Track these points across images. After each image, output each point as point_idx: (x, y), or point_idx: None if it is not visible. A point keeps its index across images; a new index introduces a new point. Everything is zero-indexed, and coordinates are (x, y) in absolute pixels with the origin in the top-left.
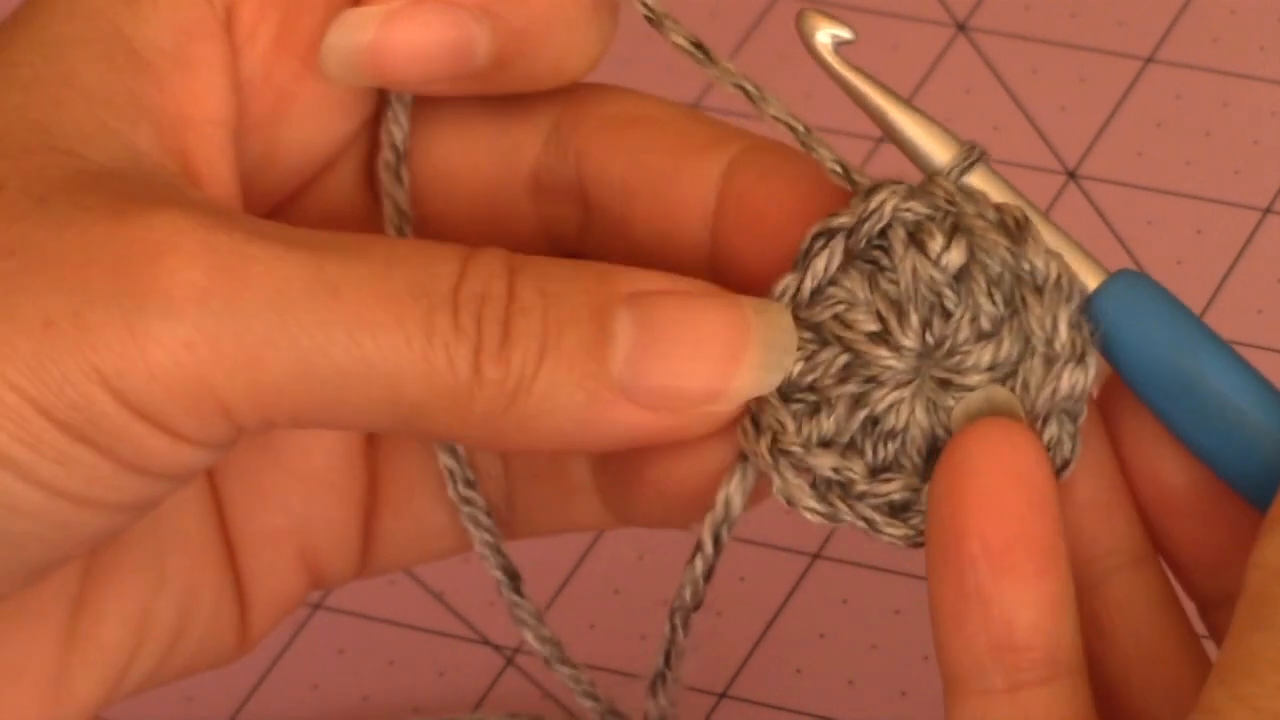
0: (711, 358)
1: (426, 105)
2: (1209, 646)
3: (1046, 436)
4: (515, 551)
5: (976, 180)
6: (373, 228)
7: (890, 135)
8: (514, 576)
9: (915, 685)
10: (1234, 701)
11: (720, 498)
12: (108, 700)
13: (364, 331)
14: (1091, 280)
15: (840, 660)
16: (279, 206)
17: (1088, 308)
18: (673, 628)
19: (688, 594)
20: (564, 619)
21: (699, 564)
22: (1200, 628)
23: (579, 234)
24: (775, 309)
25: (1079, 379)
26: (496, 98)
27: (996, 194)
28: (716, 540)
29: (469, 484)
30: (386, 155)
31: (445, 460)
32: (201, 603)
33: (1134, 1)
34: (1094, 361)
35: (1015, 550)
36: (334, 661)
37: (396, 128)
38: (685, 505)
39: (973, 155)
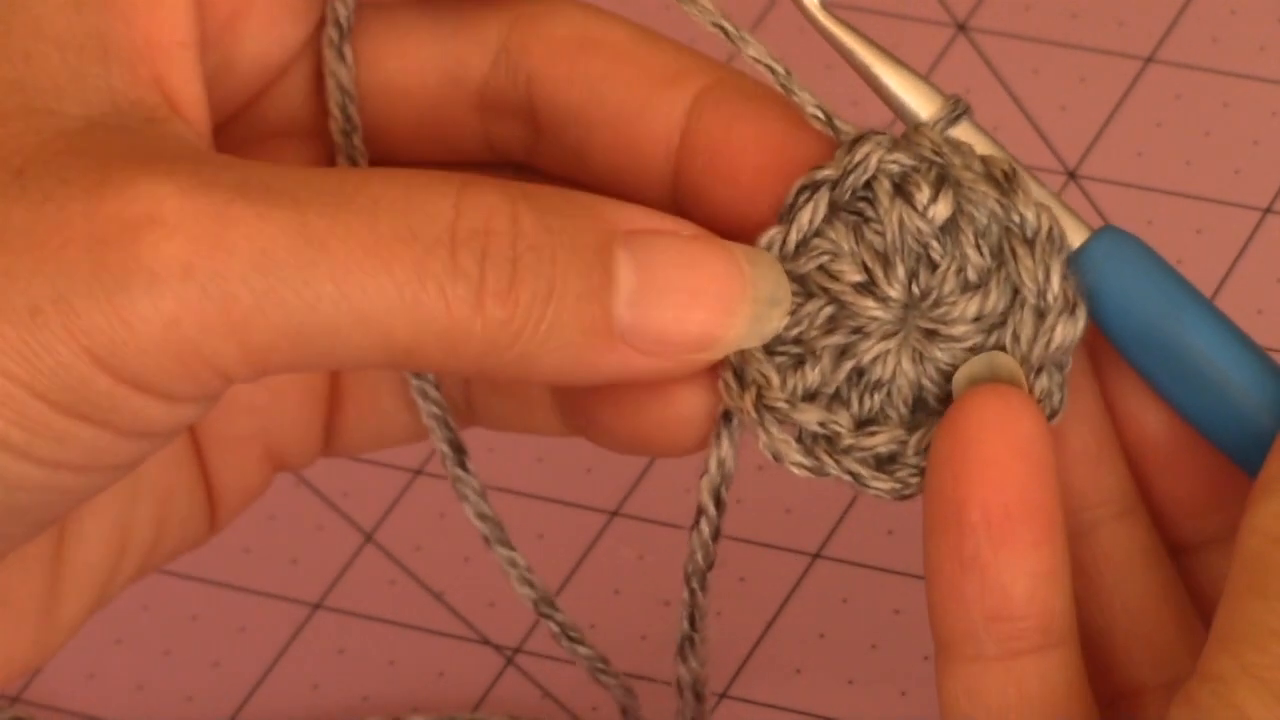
0: (707, 307)
1: (373, 20)
2: None
3: (1039, 389)
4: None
5: (961, 134)
6: (323, 135)
7: (875, 88)
8: (459, 450)
9: (915, 685)
10: (1241, 671)
11: (712, 461)
12: (94, 612)
13: (352, 284)
14: (1076, 237)
15: (840, 660)
16: (234, 117)
17: (1072, 263)
18: (691, 591)
19: (699, 557)
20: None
21: (705, 527)
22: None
23: (527, 151)
24: (767, 260)
25: (1071, 331)
26: (444, 9)
27: (981, 147)
28: (717, 501)
29: (433, 384)
30: (330, 32)
31: None
32: (175, 509)
33: (1134, 1)
34: (1083, 313)
35: (1015, 520)
36: (334, 661)
37: (341, 4)
38: (636, 446)
39: (958, 108)
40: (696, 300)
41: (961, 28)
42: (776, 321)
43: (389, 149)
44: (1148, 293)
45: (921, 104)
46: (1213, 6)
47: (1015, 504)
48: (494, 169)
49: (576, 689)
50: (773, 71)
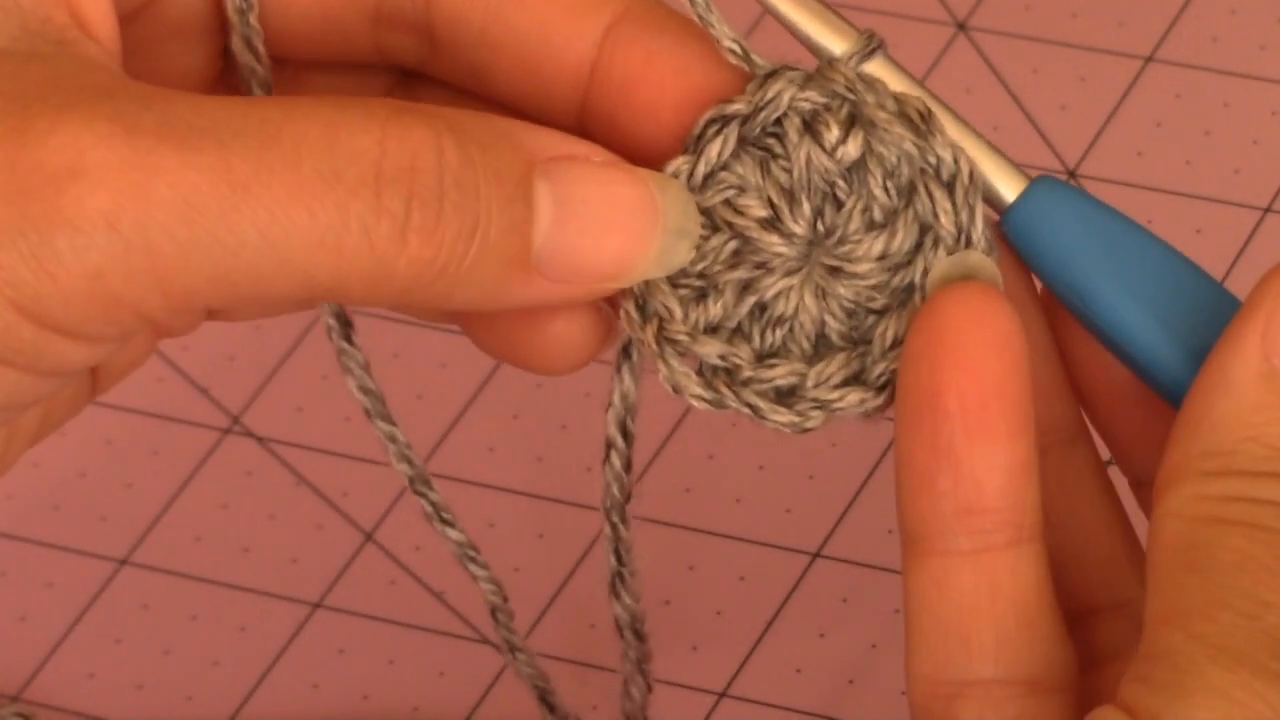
0: (620, 237)
1: None
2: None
3: None
4: (512, 551)
5: (876, 70)
6: (219, 33)
7: (786, 25)
8: (346, 324)
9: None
10: (1193, 642)
11: (615, 394)
12: None
13: (276, 228)
14: (1010, 186)
15: (840, 660)
16: (132, 16)
17: (1007, 216)
18: (612, 525)
19: (615, 490)
20: (564, 619)
21: (615, 459)
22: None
23: (419, 63)
24: (678, 189)
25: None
26: None
27: (896, 84)
28: (624, 432)
29: None
30: None
31: None
32: (60, 394)
33: (1134, 1)
34: (996, 253)
35: (990, 410)
36: (334, 661)
37: None
38: (508, 360)
39: (872, 43)
40: (610, 230)
41: (961, 27)
42: (684, 253)
43: (279, 49)
44: (1062, 265)
45: (835, 40)
46: (1213, 6)
47: (992, 395)
48: (383, 72)
49: (576, 689)
50: (691, 2)
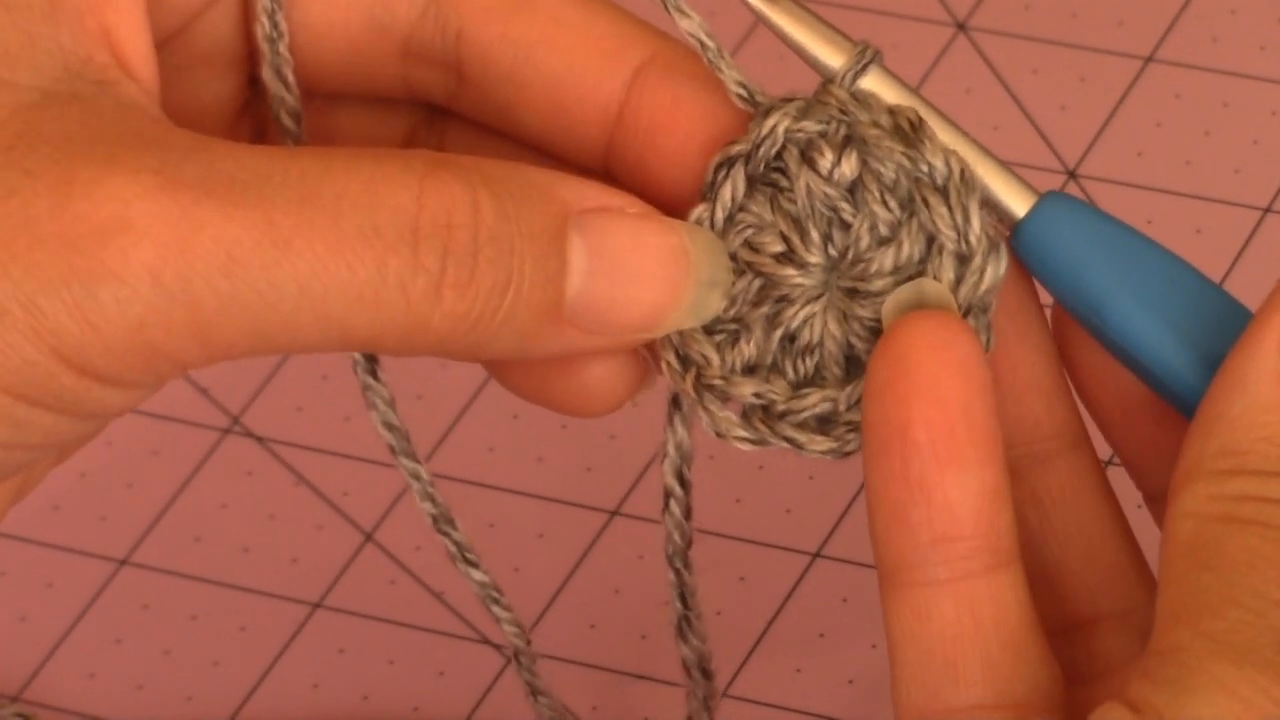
0: (653, 289)
1: None
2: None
3: None
4: (512, 551)
5: (874, 82)
6: (246, 64)
7: (784, 41)
8: (372, 359)
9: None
10: (1201, 638)
11: (670, 445)
12: None
13: (315, 282)
14: (1020, 202)
15: (840, 660)
16: (161, 45)
17: (1014, 232)
18: (675, 571)
19: (676, 537)
20: (564, 619)
21: (675, 508)
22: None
23: (448, 98)
24: (709, 240)
25: (997, 270)
26: None
27: (892, 95)
28: (681, 481)
29: None
30: None
31: None
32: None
33: (1134, 1)
34: (1005, 250)
35: (958, 438)
36: (334, 661)
37: None
38: (543, 404)
39: (864, 58)
40: (643, 283)
41: (961, 28)
42: (716, 304)
43: (308, 81)
44: (1072, 278)
45: (832, 55)
46: (1213, 6)
47: (959, 422)
48: (410, 107)
49: (577, 689)
50: (703, 46)
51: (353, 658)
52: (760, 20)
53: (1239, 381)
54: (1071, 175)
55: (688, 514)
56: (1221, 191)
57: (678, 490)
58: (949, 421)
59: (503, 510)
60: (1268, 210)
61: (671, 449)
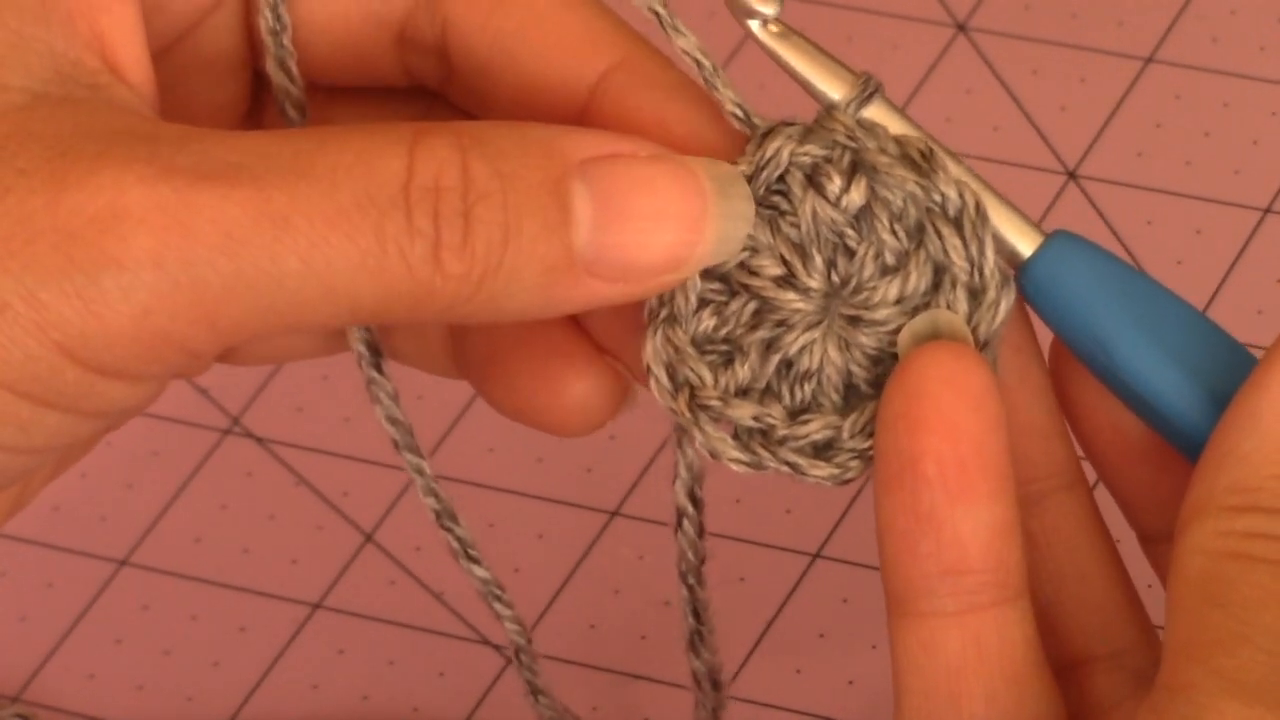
0: (672, 228)
1: None
2: (1142, 572)
3: None
4: (512, 551)
5: (876, 113)
6: (249, 67)
7: (786, 70)
8: (376, 352)
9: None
10: (1212, 676)
11: (680, 465)
12: None
13: (317, 256)
14: (1025, 240)
15: (840, 660)
16: (164, 50)
17: (1023, 270)
18: (689, 587)
19: (690, 554)
20: (564, 619)
21: (688, 526)
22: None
23: (441, 85)
24: (729, 173)
25: (1009, 303)
26: None
27: (894, 126)
28: (693, 500)
29: None
30: None
31: None
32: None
33: (1134, 1)
34: (1013, 286)
35: (970, 472)
36: (334, 661)
37: None
38: (524, 421)
39: (868, 88)
40: (660, 223)
41: (961, 28)
42: (740, 235)
43: (310, 75)
44: (1082, 316)
45: (834, 85)
46: (1213, 6)
47: (970, 456)
48: (410, 94)
49: (577, 689)
50: (699, 66)
51: (352, 658)
52: (764, 51)
53: (1250, 418)
54: (1071, 175)
55: (700, 532)
56: (1221, 192)
57: (690, 509)
58: (960, 455)
59: (503, 510)
60: (1268, 210)
61: (683, 469)
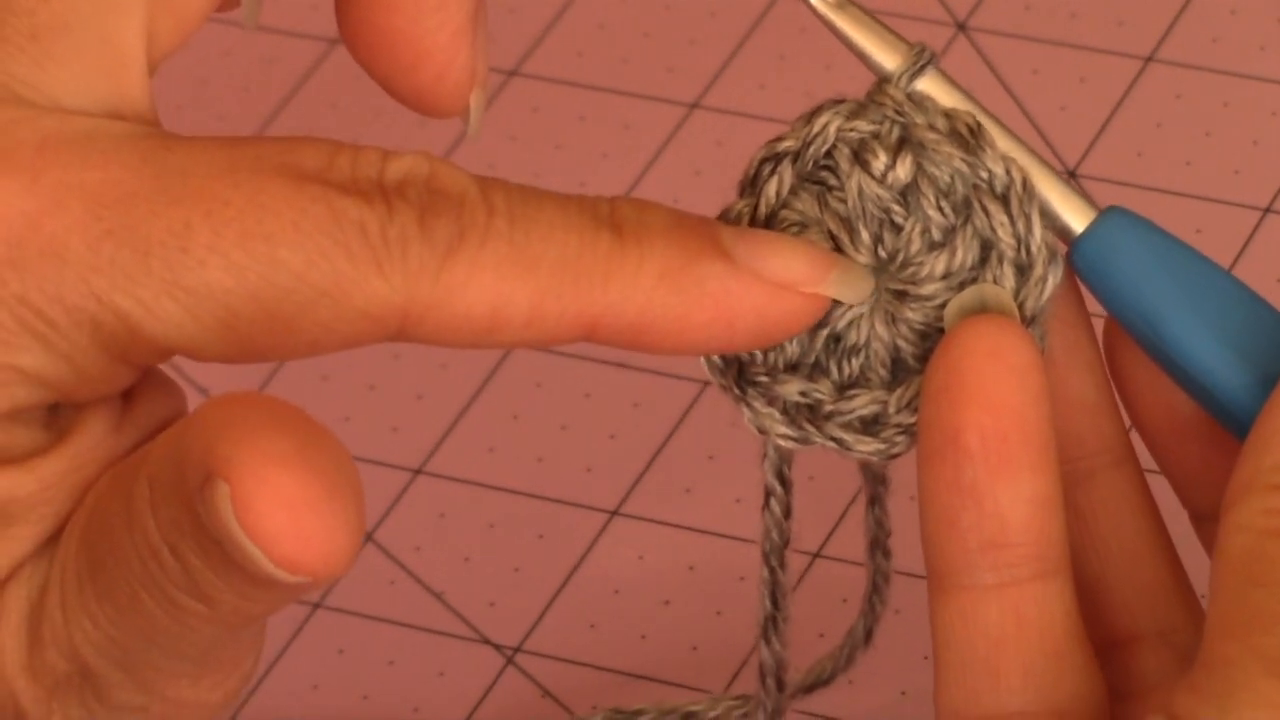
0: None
1: None
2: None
3: None
4: (512, 551)
5: (929, 85)
6: None
7: (841, 40)
8: None
9: (915, 685)
10: (1249, 654)
11: (769, 445)
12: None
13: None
14: (1079, 216)
15: None
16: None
17: (1073, 247)
18: (770, 569)
19: (775, 535)
20: (564, 619)
21: (775, 506)
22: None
23: None
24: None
25: (1056, 281)
26: None
27: (948, 98)
28: (782, 480)
29: None
30: None
31: None
32: None
33: (1134, 1)
34: (1061, 260)
35: (1011, 445)
36: (334, 661)
37: None
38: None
39: (921, 59)
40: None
41: (961, 28)
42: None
43: None
44: (1131, 294)
45: (888, 57)
46: (1213, 6)
47: (1012, 430)
48: None
49: (576, 689)
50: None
51: (352, 658)
52: (821, 21)
53: None
54: (1072, 175)
55: (787, 513)
56: (1221, 191)
57: (778, 489)
58: (1002, 428)
59: (503, 510)
60: (1268, 210)
61: (771, 448)
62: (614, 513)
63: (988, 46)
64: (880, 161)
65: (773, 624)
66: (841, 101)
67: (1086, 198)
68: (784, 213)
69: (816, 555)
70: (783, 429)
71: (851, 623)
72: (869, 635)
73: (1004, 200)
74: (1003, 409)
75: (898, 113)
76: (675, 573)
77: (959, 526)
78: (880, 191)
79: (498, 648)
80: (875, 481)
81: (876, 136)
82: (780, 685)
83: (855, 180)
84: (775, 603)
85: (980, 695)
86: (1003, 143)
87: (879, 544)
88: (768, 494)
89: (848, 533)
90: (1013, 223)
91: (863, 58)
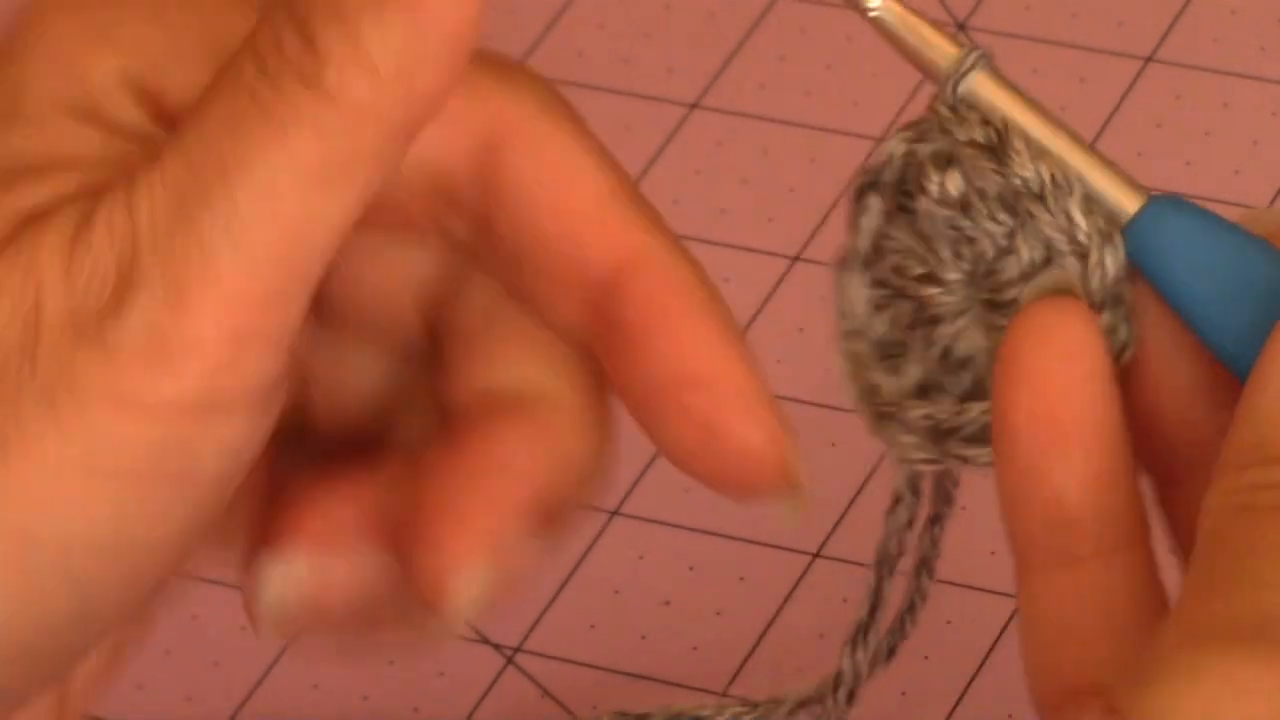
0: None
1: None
2: None
3: (1103, 325)
4: None
5: (980, 85)
6: None
7: (893, 45)
8: None
9: (915, 685)
10: (1205, 619)
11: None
12: None
13: None
14: (1129, 200)
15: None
16: None
17: (1125, 233)
18: (878, 578)
19: (892, 544)
20: (564, 619)
21: (901, 512)
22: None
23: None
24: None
25: (1116, 258)
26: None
27: (998, 98)
28: (914, 489)
29: None
30: None
31: None
32: None
33: (1134, 1)
34: (1120, 238)
35: (1062, 423)
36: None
37: None
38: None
39: (968, 62)
40: None
41: (961, 27)
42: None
43: None
44: (1170, 285)
45: (939, 62)
46: (1213, 6)
47: (1060, 408)
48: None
49: (576, 689)
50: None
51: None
52: (873, 26)
53: (1263, 378)
54: None
55: (910, 522)
56: (1221, 192)
57: (908, 497)
58: (1049, 408)
59: None
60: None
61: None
62: (614, 513)
63: (988, 46)
64: (933, 183)
65: (864, 633)
66: (912, 124)
67: (1136, 185)
68: (885, 242)
69: (816, 555)
70: (919, 454)
71: (851, 623)
72: (892, 652)
73: (1041, 199)
74: (1048, 387)
75: (942, 130)
76: (675, 573)
77: (1024, 509)
78: (942, 210)
79: (497, 648)
80: (942, 501)
81: (932, 156)
82: (851, 698)
83: (922, 203)
84: (873, 613)
85: (1049, 673)
86: (1045, 135)
87: (927, 564)
88: (896, 499)
89: (848, 533)
90: (1054, 219)
91: (917, 65)
